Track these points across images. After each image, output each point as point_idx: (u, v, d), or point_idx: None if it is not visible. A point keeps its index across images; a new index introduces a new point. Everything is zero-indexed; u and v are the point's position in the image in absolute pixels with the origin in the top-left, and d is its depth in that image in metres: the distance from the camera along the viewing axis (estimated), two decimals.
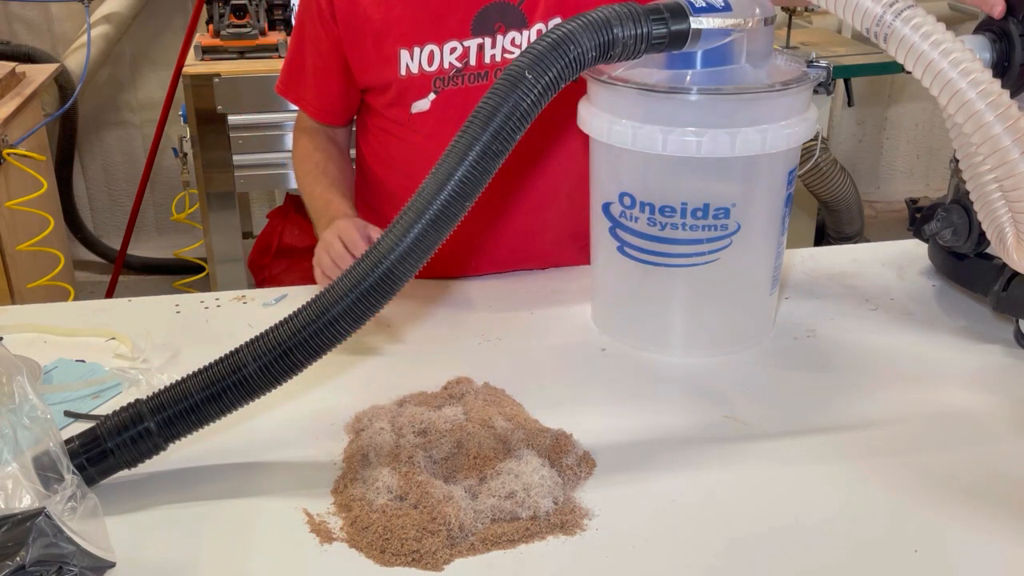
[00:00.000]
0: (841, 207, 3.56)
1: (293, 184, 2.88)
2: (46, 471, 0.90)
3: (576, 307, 1.39)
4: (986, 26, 1.16)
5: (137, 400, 0.97)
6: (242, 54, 2.75)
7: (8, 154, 2.36)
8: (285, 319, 0.95)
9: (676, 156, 1.12)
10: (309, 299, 0.95)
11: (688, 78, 1.11)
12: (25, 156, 2.43)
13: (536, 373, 1.23)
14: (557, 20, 1.37)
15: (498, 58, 1.39)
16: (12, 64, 2.63)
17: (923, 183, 4.46)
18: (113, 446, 0.96)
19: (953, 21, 3.34)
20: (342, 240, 1.29)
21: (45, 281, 2.53)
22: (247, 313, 1.38)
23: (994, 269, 1.27)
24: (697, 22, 1.04)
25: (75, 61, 3.23)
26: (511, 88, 0.94)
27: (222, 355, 0.96)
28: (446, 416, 1.08)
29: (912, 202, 1.42)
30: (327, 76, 1.47)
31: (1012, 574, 0.90)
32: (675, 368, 1.24)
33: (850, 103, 3.43)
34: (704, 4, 1.05)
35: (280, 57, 2.75)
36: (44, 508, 0.85)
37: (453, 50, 1.39)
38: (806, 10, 3.25)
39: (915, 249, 1.53)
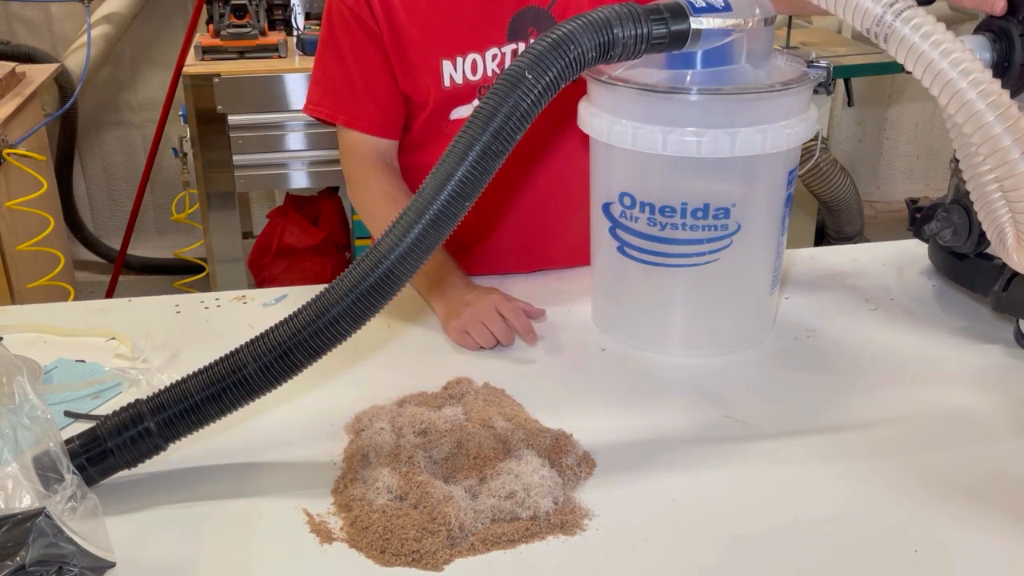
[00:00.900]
0: (841, 207, 3.56)
1: (293, 184, 2.88)
2: (46, 471, 0.90)
3: (576, 307, 1.39)
4: (986, 26, 1.16)
5: (137, 400, 0.97)
6: (242, 54, 2.75)
7: (8, 154, 2.36)
8: (285, 319, 0.95)
9: (676, 156, 1.12)
10: (309, 299, 0.95)
11: (688, 78, 1.11)
12: (25, 156, 2.43)
13: (536, 373, 1.23)
14: None
15: None
16: (12, 64, 2.63)
17: (923, 183, 4.47)
18: (113, 446, 0.96)
19: (953, 21, 3.34)
20: (501, 313, 1.28)
21: (45, 281, 2.53)
22: (247, 313, 1.38)
23: (994, 269, 1.27)
24: (697, 22, 1.04)
25: (75, 61, 3.23)
26: (511, 88, 0.94)
27: (222, 355, 0.96)
28: (446, 416, 1.08)
29: (912, 202, 1.42)
30: (384, 88, 1.40)
31: (1012, 574, 0.89)
32: (675, 368, 1.24)
33: (850, 103, 3.43)
34: (704, 4, 1.05)
35: (280, 57, 2.75)
36: (44, 508, 0.85)
37: (495, 57, 1.38)
38: None
39: (915, 249, 1.53)
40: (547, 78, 0.95)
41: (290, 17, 3.00)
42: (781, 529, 0.94)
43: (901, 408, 1.15)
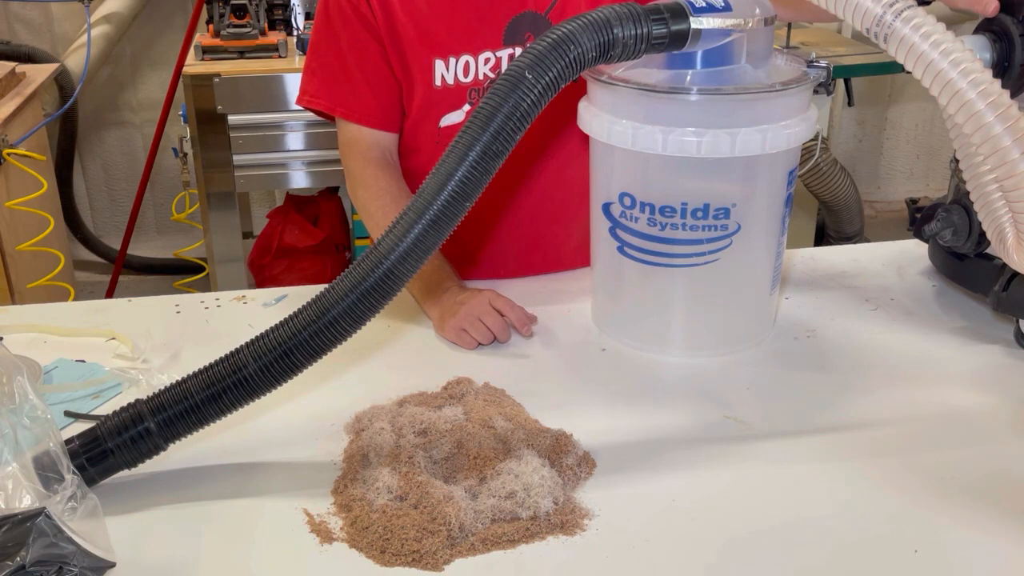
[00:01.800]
0: (841, 207, 3.56)
1: (293, 184, 2.88)
2: (46, 471, 0.90)
3: (576, 307, 1.39)
4: (986, 26, 1.15)
5: (137, 400, 0.97)
6: (242, 54, 2.75)
7: (8, 154, 2.36)
8: (285, 319, 0.95)
9: (676, 156, 1.12)
10: (309, 299, 0.95)
11: (688, 78, 1.11)
12: (25, 156, 2.43)
13: (536, 373, 1.23)
14: None
15: None
16: (12, 64, 2.63)
17: (923, 183, 4.47)
18: (113, 446, 0.96)
19: (953, 21, 3.34)
20: (495, 307, 1.29)
21: (45, 281, 2.53)
22: (247, 313, 1.38)
23: (994, 269, 1.27)
24: (697, 22, 1.04)
25: (75, 61, 3.23)
26: (511, 88, 0.94)
27: (222, 355, 0.96)
28: (446, 416, 1.08)
29: (912, 202, 1.42)
30: (383, 81, 1.39)
31: (1012, 574, 0.89)
32: (675, 368, 1.24)
33: (850, 103, 3.43)
34: (704, 4, 1.05)
35: (280, 57, 2.75)
36: (44, 508, 0.85)
37: (487, 60, 1.38)
38: None
39: (915, 249, 1.53)
40: (547, 78, 0.95)
41: (290, 17, 3.01)
42: (781, 529, 0.94)
43: (901, 408, 1.15)
